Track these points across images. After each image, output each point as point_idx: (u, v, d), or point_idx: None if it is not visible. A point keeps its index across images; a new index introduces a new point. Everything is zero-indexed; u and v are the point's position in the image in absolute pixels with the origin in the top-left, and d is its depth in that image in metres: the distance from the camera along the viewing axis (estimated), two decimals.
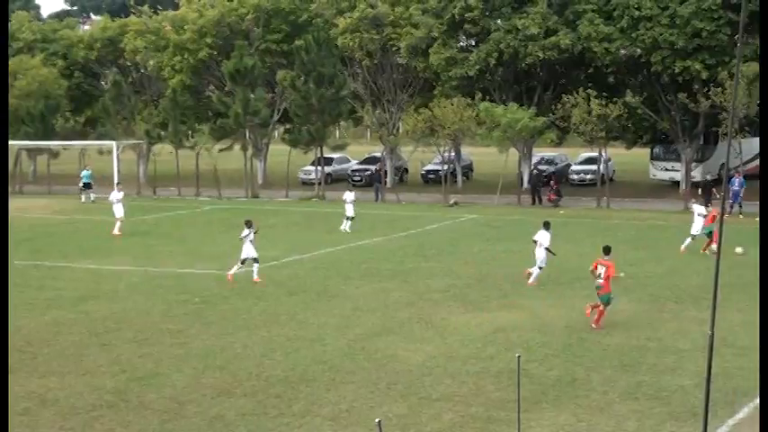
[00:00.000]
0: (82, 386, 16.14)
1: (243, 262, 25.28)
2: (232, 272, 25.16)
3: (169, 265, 28.36)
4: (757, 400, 14.83)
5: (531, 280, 24.38)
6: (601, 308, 19.78)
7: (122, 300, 23.23)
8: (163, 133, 53.00)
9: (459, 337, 19.18)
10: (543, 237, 24.36)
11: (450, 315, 21.10)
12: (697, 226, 29.10)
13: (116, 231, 34.77)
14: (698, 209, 29.53)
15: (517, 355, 8.86)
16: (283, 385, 16.07)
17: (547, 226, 24.61)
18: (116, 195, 35.92)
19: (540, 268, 24.40)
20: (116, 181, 49.74)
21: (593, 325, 19.63)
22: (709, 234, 28.25)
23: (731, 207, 38.76)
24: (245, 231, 25.22)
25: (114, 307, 22.37)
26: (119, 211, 35.51)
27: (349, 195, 35.65)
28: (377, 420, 7.23)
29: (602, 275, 19.80)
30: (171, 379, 16.52)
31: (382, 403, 15.04)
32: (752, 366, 16.60)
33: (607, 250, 20.42)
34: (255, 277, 25.02)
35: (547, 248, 24.27)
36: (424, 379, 16.30)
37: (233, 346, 18.74)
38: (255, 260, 25.19)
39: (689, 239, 29.25)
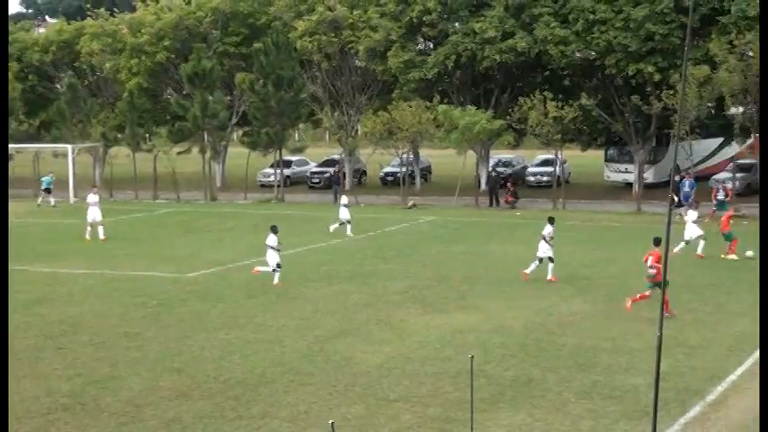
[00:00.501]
0: (37, 390, 15.97)
1: (279, 266, 25.05)
2: (275, 281, 24.92)
3: (126, 268, 28.12)
4: (709, 398, 15.11)
5: (549, 275, 24.92)
6: (647, 293, 21.04)
7: (78, 303, 22.99)
8: (119, 136, 52.53)
9: (417, 338, 19.25)
10: (547, 231, 25.08)
11: (409, 317, 21.16)
12: (690, 232, 29.06)
13: (89, 236, 33.83)
14: (691, 215, 29.56)
15: (470, 355, 8.94)
16: (242, 387, 16.02)
17: (551, 221, 25.42)
18: (92, 198, 34.69)
19: (551, 259, 25.00)
20: (71, 184, 49.29)
21: (667, 313, 20.15)
22: (729, 239, 28.25)
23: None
24: (272, 238, 25.01)
25: (70, 310, 22.14)
26: (93, 214, 34.25)
27: (344, 199, 35.60)
28: (330, 422, 7.26)
29: (653, 265, 21.00)
30: (128, 382, 16.40)
31: (340, 404, 15.06)
32: (703, 366, 16.90)
33: (657, 242, 21.52)
34: (276, 281, 24.90)
35: (546, 238, 24.95)
36: (383, 380, 16.33)
37: (191, 348, 18.64)
38: (278, 265, 25.01)
39: (682, 243, 29.08)
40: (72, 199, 48.84)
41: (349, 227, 34.59)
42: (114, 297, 23.70)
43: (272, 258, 24.98)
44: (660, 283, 20.41)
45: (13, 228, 38.33)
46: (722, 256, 28.08)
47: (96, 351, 18.48)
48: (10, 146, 53.19)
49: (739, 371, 16.53)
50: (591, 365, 17.03)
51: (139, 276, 26.67)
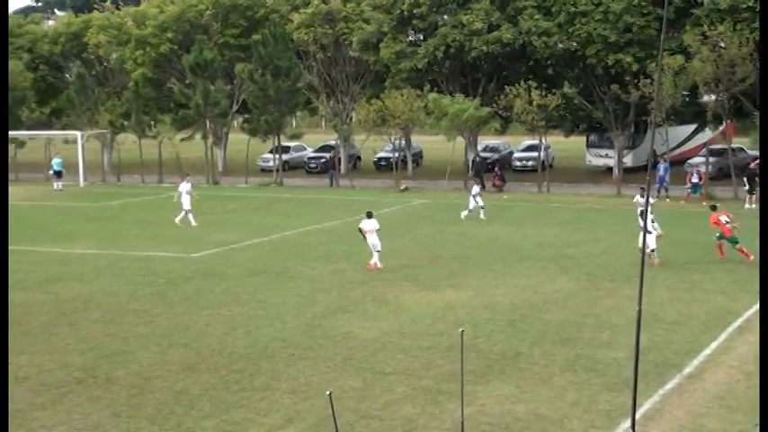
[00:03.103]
0: (52, 364, 15.94)
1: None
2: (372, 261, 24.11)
3: (134, 248, 28.05)
4: (686, 371, 15.15)
5: (654, 254, 23.80)
6: (739, 246, 23.82)
7: (89, 281, 22.93)
8: (126, 123, 52.29)
9: (410, 314, 19.26)
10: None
11: (403, 294, 21.16)
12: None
13: (193, 222, 32.37)
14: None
15: (461, 330, 8.96)
16: (245, 361, 16.02)
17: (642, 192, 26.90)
18: (185, 186, 33.42)
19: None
20: (81, 170, 49.08)
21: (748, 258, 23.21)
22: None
23: (658, 191, 39.35)
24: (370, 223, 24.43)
25: (81, 288, 22.08)
26: (186, 202, 32.94)
27: (475, 189, 34.61)
28: (327, 392, 7.23)
29: (728, 222, 24.05)
30: (137, 356, 16.38)
31: (338, 377, 15.07)
32: (680, 340, 16.95)
33: (714, 207, 25.16)
34: (379, 264, 23.98)
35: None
36: (378, 354, 16.34)
37: (196, 324, 18.62)
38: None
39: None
40: (82, 183, 48.63)
41: (482, 212, 33.38)
42: (124, 276, 23.65)
43: (376, 244, 24.14)
44: (729, 238, 23.94)
45: (26, 210, 38.22)
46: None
47: (107, 327, 18.45)
48: (22, 133, 53.07)
49: (714, 345, 16.59)
50: (575, 340, 17.06)
51: (147, 256, 26.60)
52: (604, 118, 47.47)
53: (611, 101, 45.87)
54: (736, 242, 23.98)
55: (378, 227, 24.39)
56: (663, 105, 39.74)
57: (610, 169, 48.81)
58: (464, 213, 33.72)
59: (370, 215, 24.76)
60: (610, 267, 23.77)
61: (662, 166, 40.22)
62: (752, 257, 23.17)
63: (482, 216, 33.35)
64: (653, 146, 30.74)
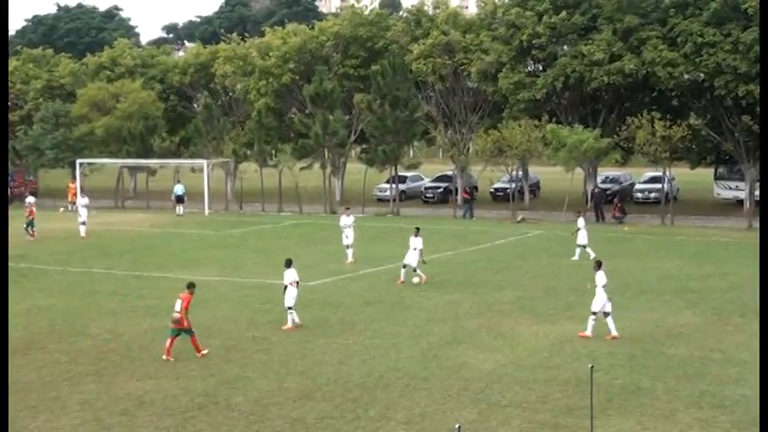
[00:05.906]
0: (175, 389, 16.44)
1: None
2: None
3: (254, 276, 28.72)
4: None
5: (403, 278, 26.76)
6: None
7: (212, 308, 23.57)
8: (248, 152, 53.76)
9: (526, 346, 19.05)
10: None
11: (519, 326, 20.96)
12: None
13: (350, 259, 30.85)
14: None
15: (590, 365, 8.81)
16: (360, 390, 16.15)
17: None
18: (345, 221, 31.86)
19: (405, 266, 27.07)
20: (206, 198, 50.69)
21: None
22: None
23: None
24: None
25: (205, 315, 22.69)
26: (350, 236, 31.32)
27: (580, 222, 31.95)
28: (456, 426, 7.22)
29: None
30: (256, 383, 16.74)
31: (454, 409, 15.01)
32: None
33: None
34: (296, 320, 21.30)
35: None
36: (494, 386, 16.22)
37: (313, 352, 18.90)
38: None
39: None
40: (206, 211, 50.18)
41: (578, 251, 31.13)
42: (244, 303, 24.23)
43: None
44: None
45: (156, 237, 39.64)
46: None
47: (227, 353, 18.93)
48: (153, 161, 55.17)
49: None
50: (700, 375, 16.54)
51: (266, 284, 27.13)
52: (734, 150, 45.97)
53: (741, 132, 44.43)
54: None
55: (296, 279, 20.98)
56: None
57: (740, 202, 47.17)
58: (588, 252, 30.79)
59: (289, 264, 21.09)
60: (739, 302, 22.91)
61: None
62: None
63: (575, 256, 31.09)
64: None
